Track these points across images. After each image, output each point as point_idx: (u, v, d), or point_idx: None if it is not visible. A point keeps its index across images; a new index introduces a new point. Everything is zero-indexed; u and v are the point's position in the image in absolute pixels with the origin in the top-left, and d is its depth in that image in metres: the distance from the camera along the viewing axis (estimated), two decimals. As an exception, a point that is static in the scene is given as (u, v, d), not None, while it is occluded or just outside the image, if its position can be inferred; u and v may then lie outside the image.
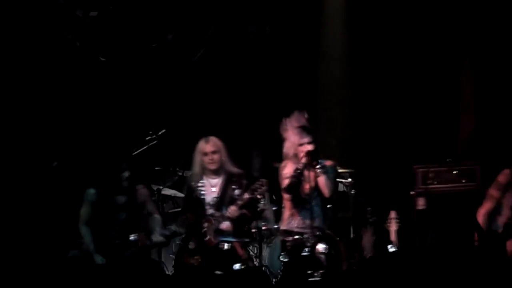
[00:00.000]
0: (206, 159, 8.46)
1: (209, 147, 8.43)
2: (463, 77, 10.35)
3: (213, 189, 8.57)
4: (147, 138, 9.32)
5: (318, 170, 7.94)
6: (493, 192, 8.25)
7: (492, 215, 8.23)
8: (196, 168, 8.57)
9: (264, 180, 8.23)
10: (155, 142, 9.33)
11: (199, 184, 8.56)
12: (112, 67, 10.41)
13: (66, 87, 10.26)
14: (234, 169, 8.57)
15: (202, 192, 8.54)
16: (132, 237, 8.39)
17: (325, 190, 8.02)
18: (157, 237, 8.43)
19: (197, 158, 8.55)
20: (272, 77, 10.60)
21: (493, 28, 10.13)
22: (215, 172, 8.56)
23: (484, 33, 10.18)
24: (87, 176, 9.07)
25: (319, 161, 8.10)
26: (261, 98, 10.58)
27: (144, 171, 9.40)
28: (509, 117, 9.92)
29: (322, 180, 7.99)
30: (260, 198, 8.45)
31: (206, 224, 8.37)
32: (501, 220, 8.18)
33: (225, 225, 8.36)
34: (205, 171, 8.58)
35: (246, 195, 8.24)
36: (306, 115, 8.18)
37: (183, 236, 8.54)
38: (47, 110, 10.20)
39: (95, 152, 9.93)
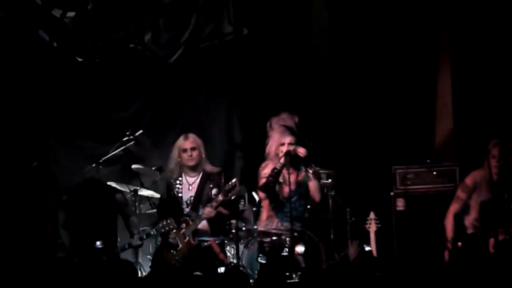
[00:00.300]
0: (185, 155, 8.42)
1: (188, 144, 8.38)
2: (440, 82, 10.30)
3: (190, 187, 8.53)
4: (124, 139, 9.24)
5: (310, 175, 7.99)
6: (460, 194, 8.38)
7: (460, 216, 8.35)
8: (173, 164, 8.51)
9: (235, 180, 8.22)
10: (132, 142, 9.26)
11: (177, 182, 8.54)
12: (88, 67, 10.32)
13: (43, 87, 10.18)
14: (212, 168, 8.57)
15: (179, 191, 8.52)
16: (98, 244, 8.36)
17: (316, 195, 8.04)
18: (136, 241, 8.44)
19: (175, 154, 8.50)
20: (256, 77, 10.56)
21: (471, 31, 10.11)
22: (193, 169, 8.50)
23: (462, 35, 10.18)
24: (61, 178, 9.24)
25: (301, 165, 8.10)
26: (246, 97, 10.55)
27: (121, 171, 9.68)
28: (485, 119, 9.83)
29: (314, 185, 8.03)
30: (236, 198, 8.51)
31: (183, 225, 8.34)
32: (468, 220, 8.30)
33: (202, 224, 8.33)
34: (183, 168, 8.54)
35: (220, 197, 8.22)
36: (296, 119, 8.18)
37: (161, 236, 8.54)
38: (25, 111, 10.10)
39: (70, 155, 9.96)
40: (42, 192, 9.42)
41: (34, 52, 10.14)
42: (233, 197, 8.30)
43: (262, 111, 9.77)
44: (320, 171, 8.84)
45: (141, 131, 9.37)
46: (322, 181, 8.89)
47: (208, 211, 8.25)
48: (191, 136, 8.51)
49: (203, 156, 8.50)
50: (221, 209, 8.30)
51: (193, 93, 10.53)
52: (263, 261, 7.96)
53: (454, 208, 8.36)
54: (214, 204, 8.26)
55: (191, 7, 10.34)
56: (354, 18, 10.35)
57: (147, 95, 10.47)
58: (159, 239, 8.85)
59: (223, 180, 8.47)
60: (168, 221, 8.28)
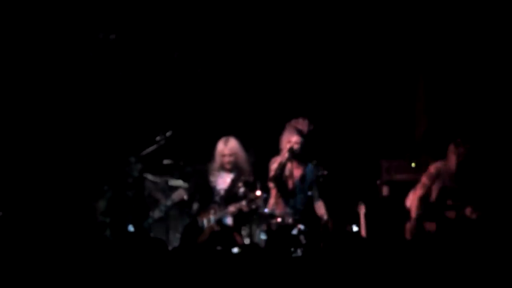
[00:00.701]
0: (224, 159, 8.87)
1: (227, 150, 8.79)
2: (417, 89, 10.71)
3: (225, 181, 9.04)
4: (156, 139, 9.52)
5: (316, 193, 8.60)
6: (425, 180, 8.66)
7: (424, 200, 8.67)
8: (216, 164, 8.95)
9: (260, 193, 8.58)
10: (163, 142, 9.52)
11: (215, 173, 9.02)
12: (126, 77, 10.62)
13: (87, 91, 10.54)
14: (247, 168, 8.97)
15: (215, 181, 9.04)
16: (130, 227, 8.92)
17: (324, 215, 8.59)
18: (157, 213, 9.08)
19: (217, 157, 8.92)
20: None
21: (443, 37, 10.45)
22: (230, 170, 8.98)
23: (435, 44, 10.51)
24: (102, 172, 9.51)
25: (309, 164, 8.68)
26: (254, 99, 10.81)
27: (153, 165, 9.72)
28: (454, 119, 10.29)
29: (320, 206, 8.64)
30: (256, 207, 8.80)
31: (212, 211, 8.83)
32: (431, 204, 8.63)
33: (230, 221, 8.84)
34: (222, 168, 9.02)
35: (243, 203, 8.66)
36: (311, 127, 8.68)
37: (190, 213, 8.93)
38: (70, 113, 10.50)
39: (109, 150, 10.17)
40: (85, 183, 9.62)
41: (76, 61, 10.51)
42: (253, 206, 8.62)
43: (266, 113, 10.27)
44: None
45: (170, 132, 9.55)
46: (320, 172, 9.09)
47: (232, 210, 8.77)
48: (230, 143, 8.90)
49: (240, 159, 8.88)
50: (243, 207, 8.74)
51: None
52: (264, 238, 8.37)
53: (419, 192, 8.62)
54: (237, 205, 8.72)
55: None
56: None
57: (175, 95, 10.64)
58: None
59: (252, 179, 8.91)
60: (179, 191, 9.06)
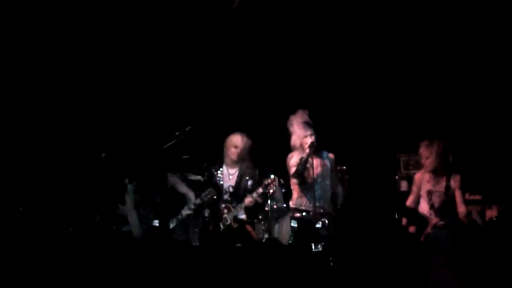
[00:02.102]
0: (233, 150, 9.04)
1: (239, 142, 9.03)
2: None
3: (230, 177, 9.16)
4: (176, 134, 9.62)
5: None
6: (413, 188, 8.72)
7: (415, 204, 8.69)
8: (226, 158, 9.07)
9: (273, 176, 8.72)
10: (182, 137, 9.61)
11: (218, 172, 9.14)
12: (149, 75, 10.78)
13: (115, 93, 10.76)
14: (249, 162, 9.16)
15: (221, 180, 9.14)
16: (155, 222, 8.97)
17: (340, 198, 8.69)
18: (185, 210, 9.00)
19: (228, 148, 9.07)
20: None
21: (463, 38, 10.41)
22: (234, 163, 9.13)
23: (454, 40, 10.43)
24: (128, 167, 9.46)
25: (322, 152, 8.66)
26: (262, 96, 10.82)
27: (173, 160, 9.79)
28: (475, 117, 10.31)
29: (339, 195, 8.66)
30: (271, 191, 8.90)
31: (225, 211, 8.95)
32: (424, 210, 8.61)
33: (243, 215, 8.99)
34: (225, 160, 9.15)
35: (260, 190, 8.75)
36: (307, 113, 8.64)
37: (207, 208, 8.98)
38: (98, 112, 10.75)
39: (134, 147, 10.04)
40: (111, 179, 9.53)
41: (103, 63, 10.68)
42: (271, 190, 8.70)
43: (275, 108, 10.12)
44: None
45: (190, 127, 9.66)
46: (338, 167, 9.19)
47: (249, 200, 8.87)
48: (243, 136, 9.09)
49: (247, 152, 9.08)
50: (258, 198, 8.92)
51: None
52: (295, 225, 8.41)
53: (411, 199, 8.71)
54: (254, 195, 8.85)
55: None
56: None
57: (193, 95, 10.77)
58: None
59: (257, 174, 9.09)
60: (209, 190, 8.90)
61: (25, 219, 9.52)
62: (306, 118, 8.64)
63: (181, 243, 8.86)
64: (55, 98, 10.68)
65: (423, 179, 8.63)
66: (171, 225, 9.02)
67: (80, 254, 7.98)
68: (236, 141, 9.09)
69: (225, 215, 8.99)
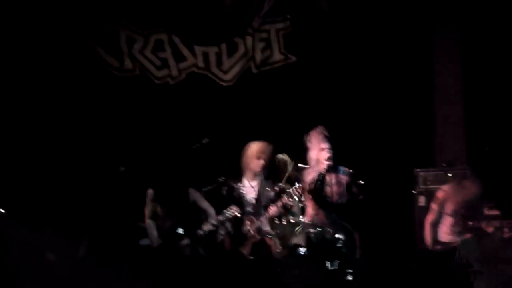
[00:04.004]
0: (256, 161, 8.85)
1: (261, 152, 8.82)
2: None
3: (252, 189, 8.94)
4: (194, 147, 9.59)
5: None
6: (434, 206, 8.64)
7: (436, 224, 8.59)
8: (247, 169, 8.86)
9: (300, 185, 8.45)
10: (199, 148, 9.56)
11: (240, 185, 8.93)
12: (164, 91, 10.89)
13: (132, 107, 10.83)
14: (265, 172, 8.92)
15: (243, 191, 8.93)
16: (180, 230, 8.83)
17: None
18: (207, 226, 8.86)
19: (249, 159, 8.86)
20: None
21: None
22: (256, 175, 8.93)
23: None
24: (148, 180, 9.41)
25: (338, 167, 8.46)
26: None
27: (193, 175, 9.71)
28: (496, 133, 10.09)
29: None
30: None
31: (248, 222, 8.76)
32: (443, 228, 8.55)
33: (267, 227, 8.78)
34: (246, 172, 8.94)
35: (285, 199, 8.53)
36: (326, 130, 8.50)
37: (227, 226, 8.80)
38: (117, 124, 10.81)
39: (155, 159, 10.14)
40: (129, 191, 9.76)
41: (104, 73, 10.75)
42: (296, 198, 8.49)
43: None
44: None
45: (207, 139, 9.62)
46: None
47: (274, 210, 8.66)
48: (266, 144, 8.88)
49: (269, 163, 8.85)
50: (281, 208, 8.68)
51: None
52: (303, 253, 8.22)
53: (430, 218, 8.62)
54: (279, 204, 8.62)
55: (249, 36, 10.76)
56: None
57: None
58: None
59: (276, 184, 8.81)
60: (232, 207, 8.69)
61: (45, 231, 9.40)
62: (325, 133, 8.50)
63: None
64: (74, 110, 10.74)
65: (448, 197, 8.57)
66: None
67: (97, 266, 8.25)
68: (260, 151, 8.86)
69: (248, 227, 8.80)
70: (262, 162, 8.84)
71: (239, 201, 8.93)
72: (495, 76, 10.29)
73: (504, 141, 9.99)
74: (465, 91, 10.52)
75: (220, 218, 8.79)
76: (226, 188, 8.95)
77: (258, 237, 8.76)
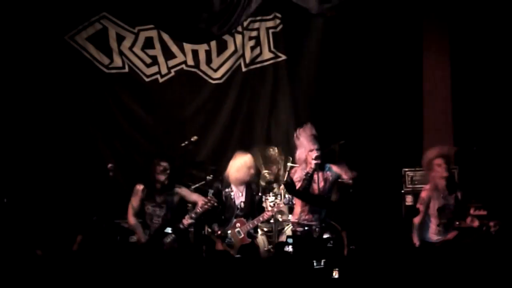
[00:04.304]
0: (250, 172, 9.07)
1: (250, 164, 9.02)
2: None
3: (240, 194, 9.10)
4: (182, 144, 9.71)
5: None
6: (419, 207, 8.63)
7: (424, 225, 8.58)
8: (238, 177, 9.03)
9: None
10: (191, 147, 9.75)
11: (228, 190, 9.07)
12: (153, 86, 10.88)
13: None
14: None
15: (233, 197, 9.06)
16: (168, 229, 8.79)
17: (345, 175, 8.38)
18: (187, 220, 8.83)
19: (242, 170, 9.01)
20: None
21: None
22: (243, 182, 9.12)
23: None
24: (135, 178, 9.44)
25: (325, 165, 8.40)
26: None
27: (180, 172, 9.80)
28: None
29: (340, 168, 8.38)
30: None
31: (238, 224, 8.89)
32: (432, 227, 8.53)
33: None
34: (233, 181, 9.09)
35: (281, 203, 8.99)
36: (314, 127, 8.44)
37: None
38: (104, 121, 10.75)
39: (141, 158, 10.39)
40: (116, 188, 9.46)
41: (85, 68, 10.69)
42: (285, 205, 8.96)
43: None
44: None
45: (196, 137, 9.76)
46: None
47: (268, 214, 8.97)
48: (249, 154, 9.13)
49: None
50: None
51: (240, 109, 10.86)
52: (289, 250, 8.20)
53: (417, 219, 8.58)
54: (275, 209, 8.97)
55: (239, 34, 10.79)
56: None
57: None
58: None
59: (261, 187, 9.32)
60: (209, 197, 8.77)
61: (29, 228, 9.43)
62: (313, 132, 8.43)
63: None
64: (64, 106, 10.67)
65: (431, 197, 8.55)
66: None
67: (85, 265, 7.93)
68: (248, 162, 9.05)
69: (238, 229, 8.92)
70: (250, 171, 9.10)
71: (229, 204, 9.04)
72: (483, 77, 10.39)
73: (492, 141, 10.10)
74: (453, 93, 10.56)
75: (199, 210, 8.78)
76: (212, 191, 9.00)
77: (247, 239, 8.93)
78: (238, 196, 9.11)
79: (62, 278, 7.80)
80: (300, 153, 8.47)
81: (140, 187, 8.94)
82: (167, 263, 8.32)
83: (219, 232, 8.87)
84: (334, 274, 7.73)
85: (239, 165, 9.06)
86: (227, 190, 9.05)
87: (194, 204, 8.99)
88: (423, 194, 8.60)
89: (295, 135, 8.51)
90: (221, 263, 8.43)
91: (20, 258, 8.42)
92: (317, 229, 8.26)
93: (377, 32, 10.55)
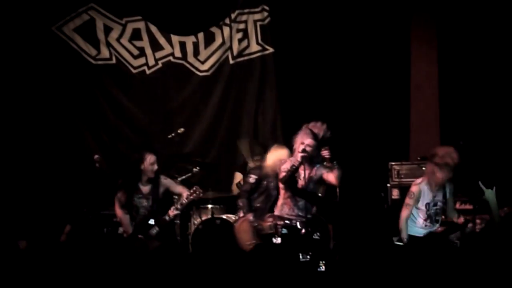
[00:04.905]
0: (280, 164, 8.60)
1: (283, 156, 8.47)
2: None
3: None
4: (169, 136, 9.78)
5: (336, 166, 8.04)
6: (408, 201, 8.44)
7: (411, 219, 8.40)
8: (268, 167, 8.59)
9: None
10: (177, 139, 9.80)
11: (269, 180, 8.66)
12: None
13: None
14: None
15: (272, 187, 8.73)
16: (151, 221, 8.67)
17: (337, 181, 8.12)
18: (172, 211, 8.66)
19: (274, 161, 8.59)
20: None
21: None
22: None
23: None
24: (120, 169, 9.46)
25: (317, 165, 8.16)
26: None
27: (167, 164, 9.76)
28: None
29: (335, 174, 8.07)
30: None
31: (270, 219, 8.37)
32: (419, 222, 8.40)
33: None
34: (271, 172, 8.69)
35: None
36: (326, 130, 8.20)
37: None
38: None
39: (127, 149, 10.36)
40: (102, 180, 9.46)
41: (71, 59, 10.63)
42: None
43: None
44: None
45: (183, 129, 9.81)
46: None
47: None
48: (286, 151, 8.57)
49: None
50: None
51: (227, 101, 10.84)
52: (278, 242, 8.02)
53: (405, 213, 8.41)
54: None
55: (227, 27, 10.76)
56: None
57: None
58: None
59: None
60: (194, 188, 8.70)
61: (14, 222, 9.39)
62: (318, 129, 8.21)
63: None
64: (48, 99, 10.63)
65: (422, 192, 8.44)
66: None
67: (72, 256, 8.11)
68: (282, 155, 8.56)
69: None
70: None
71: (269, 193, 8.70)
72: (471, 72, 10.35)
73: (478, 136, 10.06)
74: (440, 87, 10.52)
75: (185, 201, 8.74)
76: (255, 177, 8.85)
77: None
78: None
79: (49, 269, 7.79)
80: (295, 144, 8.33)
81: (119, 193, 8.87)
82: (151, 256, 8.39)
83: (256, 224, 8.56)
84: (320, 267, 7.70)
85: (275, 157, 8.65)
86: (268, 179, 8.70)
87: (179, 195, 8.90)
88: (414, 189, 8.46)
89: (294, 138, 8.35)
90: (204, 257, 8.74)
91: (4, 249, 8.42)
92: (297, 223, 8.12)
93: (365, 27, 10.53)
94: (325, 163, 8.12)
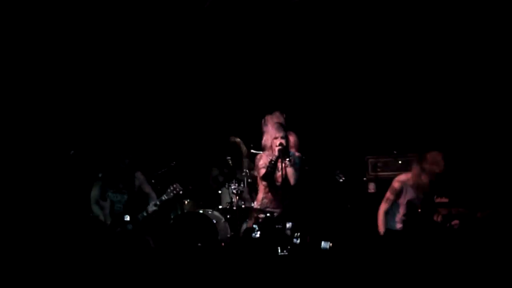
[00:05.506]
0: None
1: None
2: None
3: None
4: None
5: (287, 162, 8.15)
6: (389, 195, 8.55)
7: (390, 213, 8.51)
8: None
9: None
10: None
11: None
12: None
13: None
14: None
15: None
16: (126, 217, 8.75)
17: (291, 180, 8.20)
18: (151, 207, 8.85)
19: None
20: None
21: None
22: None
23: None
24: (96, 164, 9.35)
25: (290, 152, 8.33)
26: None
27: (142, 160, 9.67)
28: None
29: (289, 171, 8.18)
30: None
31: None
32: (398, 216, 8.49)
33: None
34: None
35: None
36: (284, 115, 8.42)
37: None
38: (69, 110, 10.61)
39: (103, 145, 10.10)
40: (79, 175, 9.55)
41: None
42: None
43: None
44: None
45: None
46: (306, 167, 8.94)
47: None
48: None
49: None
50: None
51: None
52: (257, 236, 8.08)
53: (384, 207, 8.52)
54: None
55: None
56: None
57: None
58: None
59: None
60: (174, 185, 8.81)
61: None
62: (281, 120, 8.38)
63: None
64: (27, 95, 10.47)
65: (404, 188, 8.51)
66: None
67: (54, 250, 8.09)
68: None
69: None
70: None
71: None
72: (450, 66, 10.38)
73: (454, 128, 10.14)
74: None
75: (164, 197, 8.79)
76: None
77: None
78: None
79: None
80: (265, 140, 8.45)
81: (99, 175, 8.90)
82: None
83: None
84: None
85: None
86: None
87: (147, 194, 8.94)
88: (396, 185, 8.54)
89: (263, 121, 8.48)
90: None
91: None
92: (278, 215, 8.21)
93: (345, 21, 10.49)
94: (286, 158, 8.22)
